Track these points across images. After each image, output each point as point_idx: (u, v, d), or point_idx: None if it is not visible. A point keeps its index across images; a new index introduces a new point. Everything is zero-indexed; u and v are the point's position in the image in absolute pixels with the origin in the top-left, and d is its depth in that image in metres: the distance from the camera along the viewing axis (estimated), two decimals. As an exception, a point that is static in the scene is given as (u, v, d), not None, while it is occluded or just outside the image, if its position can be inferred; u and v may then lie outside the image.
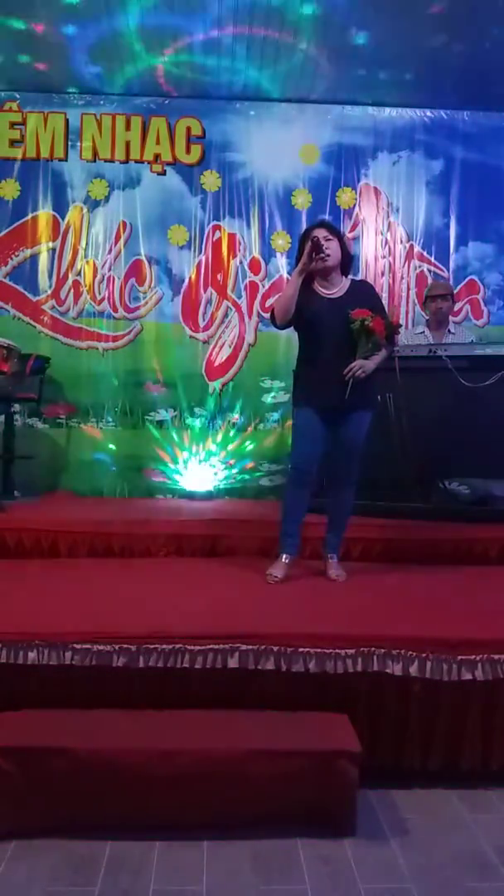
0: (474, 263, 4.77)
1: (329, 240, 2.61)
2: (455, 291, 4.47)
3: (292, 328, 2.78)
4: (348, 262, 2.74)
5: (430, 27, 3.75)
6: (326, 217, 4.62)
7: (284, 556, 2.77)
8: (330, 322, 2.60)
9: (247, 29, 3.84)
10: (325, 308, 2.63)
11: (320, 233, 2.63)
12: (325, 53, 4.05)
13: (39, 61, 4.23)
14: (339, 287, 2.69)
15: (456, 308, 4.54)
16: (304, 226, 4.67)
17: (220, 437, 4.66)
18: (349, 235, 4.73)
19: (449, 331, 4.02)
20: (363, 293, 2.71)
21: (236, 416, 4.65)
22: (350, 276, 2.78)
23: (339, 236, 2.69)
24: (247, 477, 4.64)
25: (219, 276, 4.68)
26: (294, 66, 4.20)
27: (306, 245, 2.59)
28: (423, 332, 4.05)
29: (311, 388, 2.70)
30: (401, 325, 2.74)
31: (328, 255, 2.59)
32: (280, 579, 2.70)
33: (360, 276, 4.71)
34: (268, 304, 4.60)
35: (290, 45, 3.98)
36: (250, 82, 4.41)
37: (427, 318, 4.13)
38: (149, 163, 4.64)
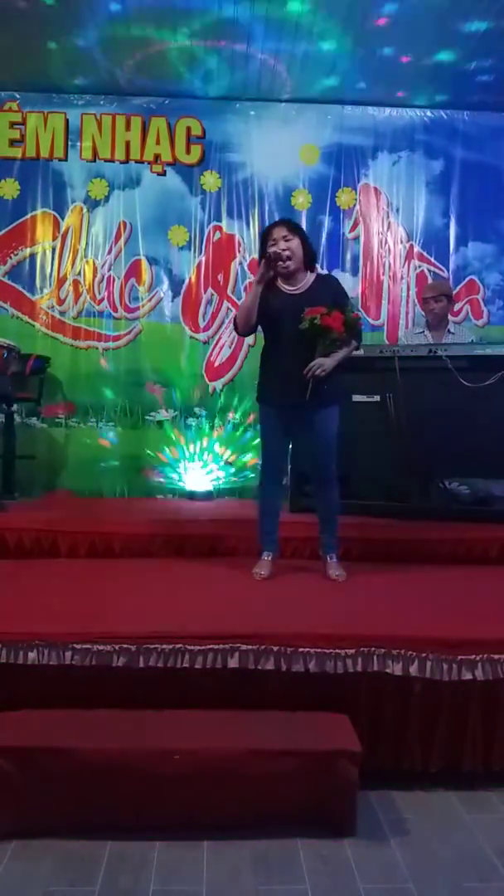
0: (474, 263, 4.77)
1: (289, 239, 2.58)
2: (454, 292, 4.47)
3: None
4: (312, 257, 2.70)
5: (430, 26, 3.76)
6: (328, 216, 4.65)
7: (266, 554, 2.82)
8: (292, 319, 2.56)
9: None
10: (288, 305, 2.59)
11: (280, 231, 2.60)
12: (325, 53, 4.06)
13: (40, 60, 4.22)
14: (302, 283, 2.66)
15: (456, 308, 4.54)
16: (304, 226, 4.68)
17: (219, 438, 4.66)
18: (349, 235, 4.73)
19: (449, 331, 4.02)
20: (327, 287, 2.66)
21: (236, 415, 4.65)
22: (315, 272, 2.74)
23: (300, 233, 2.64)
24: (246, 477, 4.64)
25: (219, 277, 4.68)
26: (295, 67, 4.21)
27: (266, 251, 2.57)
28: (423, 332, 4.05)
29: (272, 386, 2.70)
30: (359, 319, 2.63)
31: (288, 265, 2.57)
32: (265, 576, 2.74)
33: (359, 277, 4.74)
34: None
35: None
36: (251, 82, 4.41)
37: (426, 318, 4.13)
38: (149, 163, 4.65)
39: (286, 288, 2.66)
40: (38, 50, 4.09)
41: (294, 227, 2.64)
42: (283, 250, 2.56)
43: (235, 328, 2.74)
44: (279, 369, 2.65)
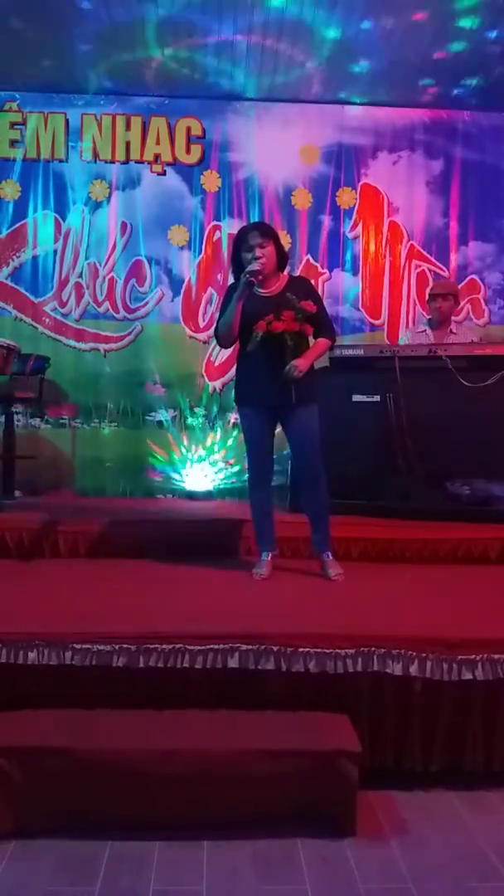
0: (475, 263, 4.77)
1: (263, 246, 2.57)
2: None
3: None
4: (284, 260, 2.72)
5: (431, 26, 3.76)
6: (328, 216, 4.65)
7: (265, 555, 2.83)
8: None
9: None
10: (262, 307, 2.60)
11: (254, 238, 2.58)
12: (326, 53, 4.06)
13: (40, 60, 4.22)
14: (275, 285, 2.68)
15: (452, 312, 4.53)
16: (304, 225, 4.69)
17: (219, 437, 4.67)
18: (349, 235, 4.74)
19: (451, 330, 4.01)
20: (300, 289, 2.67)
21: (236, 415, 4.65)
22: (287, 273, 2.77)
23: (273, 237, 2.65)
24: (246, 477, 4.63)
25: (218, 277, 4.68)
26: (295, 66, 4.21)
27: (240, 254, 2.60)
28: (425, 330, 4.05)
29: (249, 388, 2.72)
30: (305, 310, 2.58)
31: (261, 271, 2.55)
32: (265, 576, 2.76)
33: (359, 277, 4.74)
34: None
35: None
36: (251, 82, 4.41)
37: (430, 316, 4.12)
38: (149, 163, 4.65)
39: (260, 291, 2.67)
40: (38, 50, 4.10)
41: (267, 232, 2.64)
42: (259, 258, 2.55)
43: (218, 341, 2.76)
44: (257, 371, 2.66)
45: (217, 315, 2.80)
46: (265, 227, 2.69)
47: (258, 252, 2.56)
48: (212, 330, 4.63)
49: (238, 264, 2.65)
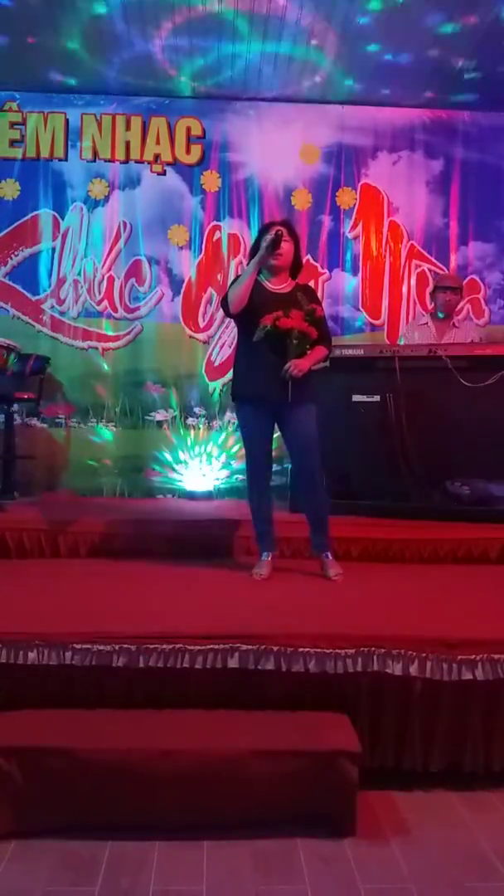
0: (475, 263, 4.77)
1: (286, 241, 2.64)
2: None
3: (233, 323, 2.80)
4: (298, 266, 2.78)
5: (430, 26, 3.76)
6: (328, 216, 4.65)
7: (265, 555, 2.84)
8: None
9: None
10: (270, 301, 2.63)
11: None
12: (326, 52, 4.05)
13: (41, 59, 4.22)
14: (285, 285, 2.73)
15: (457, 307, 4.53)
16: (304, 226, 4.69)
17: (219, 438, 4.66)
18: (349, 235, 4.74)
19: (454, 324, 4.01)
20: (306, 294, 2.73)
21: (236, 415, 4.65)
22: (296, 280, 2.81)
23: (295, 239, 2.72)
24: (246, 476, 4.63)
25: (218, 276, 4.68)
26: (295, 64, 4.20)
27: (267, 236, 2.61)
28: (427, 322, 4.04)
29: (249, 384, 2.72)
30: (314, 312, 2.65)
31: (280, 255, 2.63)
32: (265, 576, 2.76)
33: (359, 277, 4.74)
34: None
35: (292, 41, 3.98)
36: (251, 81, 4.40)
37: (431, 311, 4.11)
38: (149, 163, 4.65)
39: (270, 286, 2.70)
40: (37, 50, 4.09)
41: (291, 232, 2.71)
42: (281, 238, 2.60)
43: (224, 307, 2.73)
44: (256, 366, 2.67)
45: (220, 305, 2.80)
46: (291, 227, 2.75)
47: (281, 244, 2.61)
48: (212, 329, 4.67)
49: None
